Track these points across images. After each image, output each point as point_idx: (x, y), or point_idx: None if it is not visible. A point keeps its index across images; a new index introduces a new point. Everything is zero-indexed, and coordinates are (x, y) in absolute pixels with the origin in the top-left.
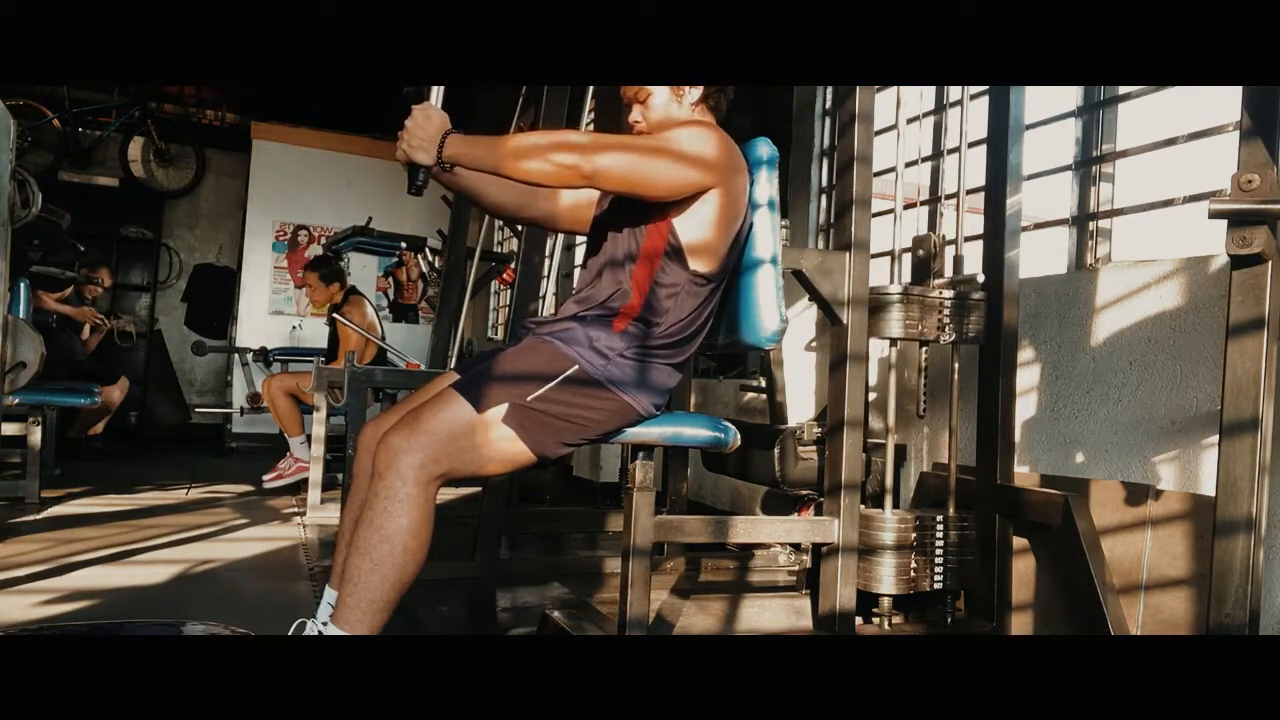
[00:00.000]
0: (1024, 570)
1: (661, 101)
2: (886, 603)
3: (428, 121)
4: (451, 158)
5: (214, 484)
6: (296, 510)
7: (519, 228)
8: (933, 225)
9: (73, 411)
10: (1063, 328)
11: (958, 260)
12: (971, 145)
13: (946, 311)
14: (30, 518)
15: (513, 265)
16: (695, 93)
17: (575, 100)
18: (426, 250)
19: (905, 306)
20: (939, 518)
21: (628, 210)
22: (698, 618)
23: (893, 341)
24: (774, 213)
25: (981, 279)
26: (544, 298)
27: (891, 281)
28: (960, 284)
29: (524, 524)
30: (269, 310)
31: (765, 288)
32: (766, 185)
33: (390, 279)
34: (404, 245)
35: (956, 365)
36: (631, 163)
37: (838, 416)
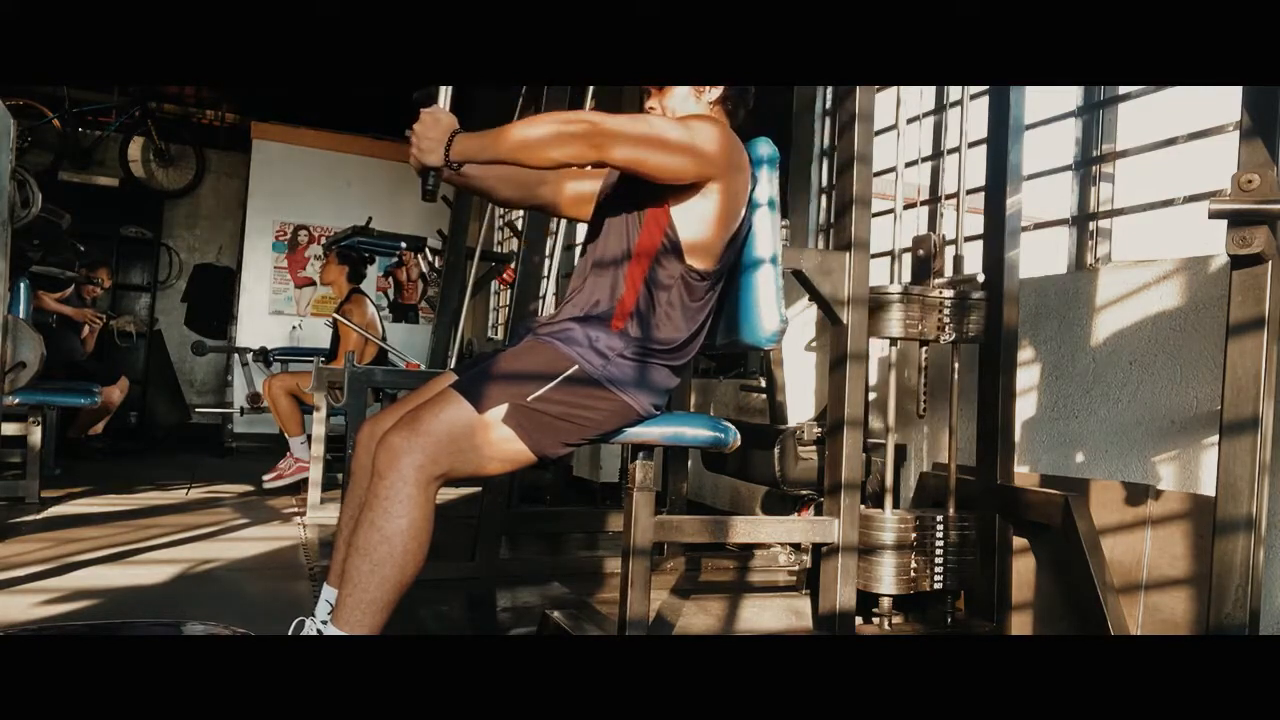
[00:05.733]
0: (1024, 570)
1: (680, 95)
2: (886, 603)
3: (435, 124)
4: (460, 155)
5: (214, 484)
6: (296, 510)
7: (519, 227)
8: (933, 225)
9: (73, 411)
10: (1063, 328)
11: (958, 260)
12: (971, 145)
13: (947, 311)
14: (30, 518)
15: (513, 265)
16: (715, 92)
17: (575, 100)
18: (426, 250)
19: (905, 306)
20: (939, 518)
21: (626, 206)
22: (698, 618)
23: (893, 341)
24: (774, 212)
25: (981, 278)
26: (544, 298)
27: (891, 281)
28: (960, 283)
29: (524, 524)
30: (269, 310)
31: (765, 288)
32: (767, 184)
33: (390, 279)
34: (404, 245)
35: (957, 364)
36: (639, 136)
37: (838, 416)
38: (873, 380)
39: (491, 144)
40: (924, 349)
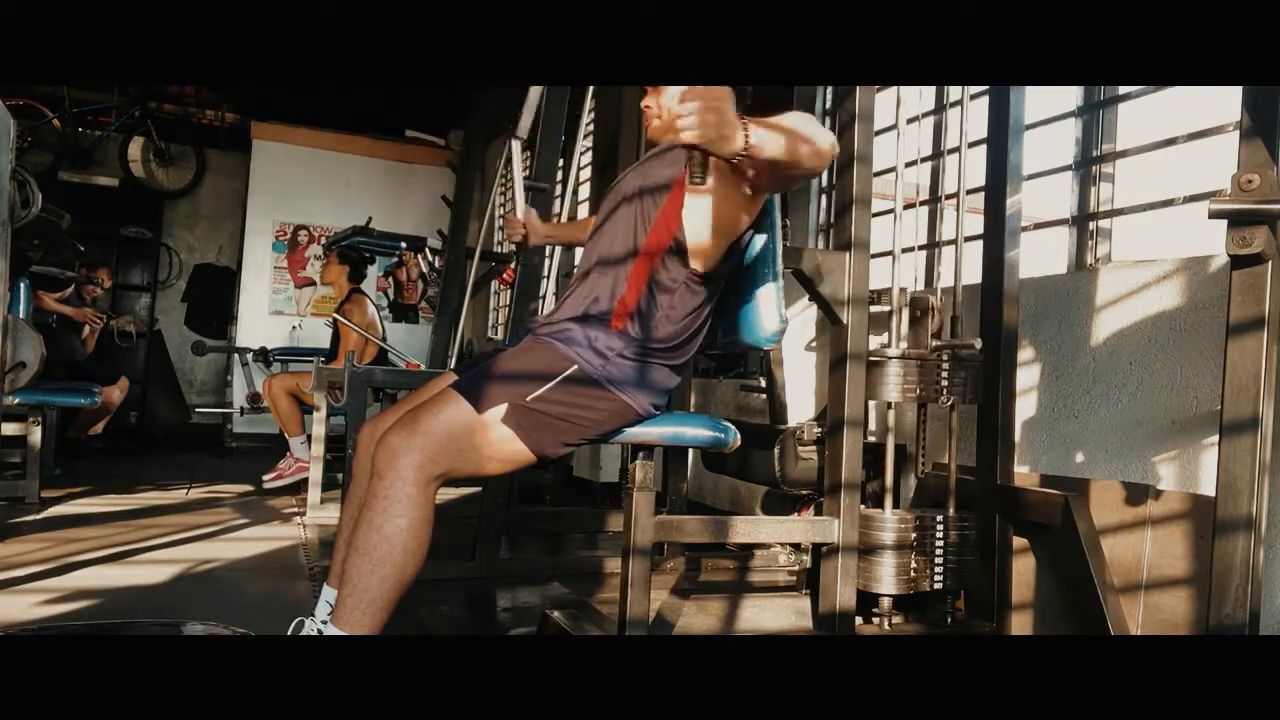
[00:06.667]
0: (1024, 570)
1: (674, 95)
2: (886, 603)
3: (721, 99)
4: (756, 147)
5: (214, 484)
6: (296, 510)
7: None
8: (933, 225)
9: (73, 411)
10: (1063, 328)
11: (955, 321)
12: (971, 145)
13: (943, 374)
14: (30, 518)
15: (513, 265)
16: None
17: (575, 100)
18: (426, 250)
19: (903, 370)
20: (939, 518)
21: (635, 205)
22: (698, 618)
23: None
24: (774, 213)
25: (978, 344)
26: (544, 298)
27: (890, 343)
28: (958, 346)
29: (524, 524)
30: (269, 310)
31: (765, 288)
32: None
33: (390, 279)
34: (404, 245)
35: (955, 418)
36: None
37: (838, 416)
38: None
39: (783, 141)
40: (922, 410)
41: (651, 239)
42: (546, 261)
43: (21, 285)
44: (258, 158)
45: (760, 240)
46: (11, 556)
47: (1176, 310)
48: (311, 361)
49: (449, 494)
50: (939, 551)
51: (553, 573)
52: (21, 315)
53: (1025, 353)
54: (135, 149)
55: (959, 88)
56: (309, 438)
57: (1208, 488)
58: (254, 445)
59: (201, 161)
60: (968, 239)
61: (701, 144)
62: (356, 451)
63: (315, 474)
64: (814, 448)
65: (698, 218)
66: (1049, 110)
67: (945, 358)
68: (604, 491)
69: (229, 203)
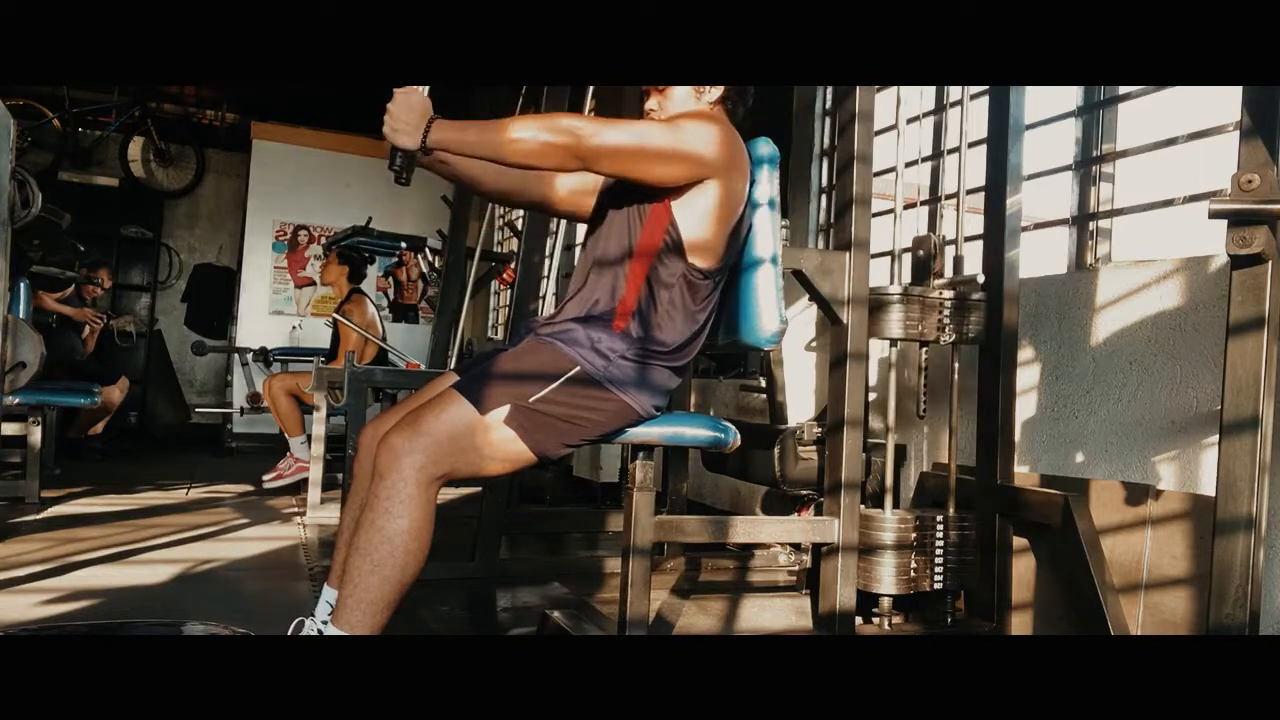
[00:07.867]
0: (1024, 570)
1: (680, 96)
2: (886, 603)
3: (409, 107)
4: (437, 143)
5: (214, 484)
6: (296, 510)
7: (519, 227)
8: (933, 225)
9: (73, 411)
10: (1063, 328)
11: (958, 260)
12: (971, 145)
13: (946, 312)
14: (30, 518)
15: (513, 265)
16: (715, 92)
17: (575, 100)
18: (426, 250)
19: (905, 307)
20: (939, 518)
21: (627, 204)
22: (698, 618)
23: (893, 342)
24: (774, 212)
25: (981, 279)
26: (544, 298)
27: (891, 282)
28: (960, 284)
29: (524, 524)
30: (269, 310)
31: (765, 288)
32: (767, 184)
33: (390, 279)
34: (404, 245)
35: (957, 365)
36: (628, 145)
37: (838, 416)
38: (873, 380)
39: (473, 138)
40: (924, 350)
41: (645, 236)
42: (546, 261)
43: (21, 285)
44: (258, 158)
45: (759, 240)
46: (11, 556)
47: (1176, 310)
48: (311, 361)
49: (449, 494)
50: (939, 551)
51: (553, 573)
52: (21, 315)
53: (1025, 353)
54: (135, 149)
55: (959, 88)
56: (309, 438)
57: (1208, 488)
58: (254, 445)
59: (201, 161)
60: (968, 239)
61: (388, 139)
62: (358, 453)
63: (315, 474)
64: (814, 448)
65: (688, 213)
66: (1049, 110)
67: (948, 296)
68: (604, 491)
69: (229, 203)
